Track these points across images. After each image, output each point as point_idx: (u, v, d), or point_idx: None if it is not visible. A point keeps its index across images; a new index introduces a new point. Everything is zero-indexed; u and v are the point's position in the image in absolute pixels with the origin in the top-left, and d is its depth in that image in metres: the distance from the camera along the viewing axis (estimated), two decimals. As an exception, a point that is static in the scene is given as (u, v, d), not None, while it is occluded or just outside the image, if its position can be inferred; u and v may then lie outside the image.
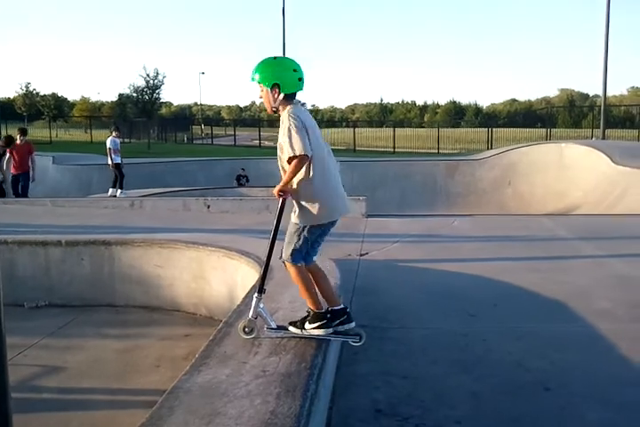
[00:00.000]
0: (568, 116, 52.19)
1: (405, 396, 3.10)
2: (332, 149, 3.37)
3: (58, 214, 9.96)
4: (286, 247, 3.17)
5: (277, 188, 3.09)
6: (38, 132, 41.93)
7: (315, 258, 3.28)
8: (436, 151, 33.45)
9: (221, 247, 5.60)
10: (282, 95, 3.12)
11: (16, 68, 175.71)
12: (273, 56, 3.21)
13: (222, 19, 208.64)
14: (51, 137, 40.62)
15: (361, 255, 6.44)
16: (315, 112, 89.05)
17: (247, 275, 4.82)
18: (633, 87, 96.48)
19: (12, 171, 13.47)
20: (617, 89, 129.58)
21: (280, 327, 3.21)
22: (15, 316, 4.77)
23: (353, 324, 3.26)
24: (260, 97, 3.21)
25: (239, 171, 20.43)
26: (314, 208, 3.11)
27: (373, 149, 36.15)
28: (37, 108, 73.78)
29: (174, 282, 5.85)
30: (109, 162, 15.29)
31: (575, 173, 16.50)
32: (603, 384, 3.26)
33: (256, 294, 3.20)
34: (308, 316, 3.22)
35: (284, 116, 3.09)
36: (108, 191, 15.19)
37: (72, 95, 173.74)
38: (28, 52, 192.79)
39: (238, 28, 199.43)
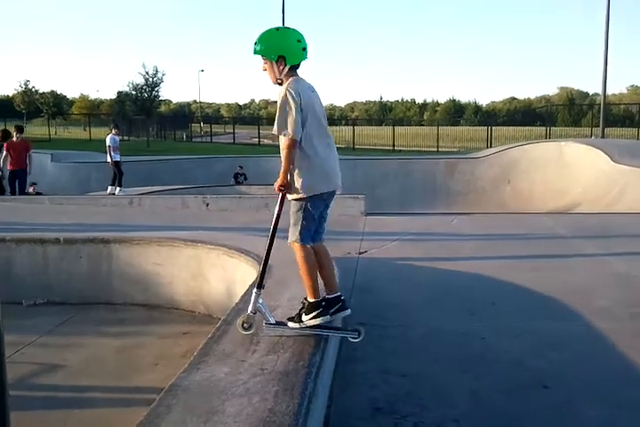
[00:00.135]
0: (568, 114, 52.31)
1: (404, 394, 3.09)
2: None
3: (56, 212, 9.94)
4: (293, 229, 3.14)
5: (278, 182, 3.07)
6: (37, 129, 42.01)
7: (324, 236, 3.27)
8: (436, 149, 33.34)
9: (220, 245, 5.59)
10: (287, 67, 3.09)
11: (15, 66, 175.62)
12: (275, 27, 3.15)
13: (222, 16, 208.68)
14: (49, 135, 40.64)
15: (360, 253, 6.43)
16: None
17: (246, 273, 4.81)
18: (632, 86, 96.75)
19: (9, 167, 13.46)
20: (616, 87, 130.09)
21: (279, 323, 3.21)
22: (13, 314, 4.79)
23: (349, 311, 3.27)
24: (264, 69, 3.17)
25: (237, 169, 20.40)
26: (312, 177, 3.09)
27: (373, 148, 36.01)
28: (36, 106, 73.89)
29: (173, 280, 5.84)
30: (108, 160, 15.32)
31: (575, 170, 16.51)
32: (601, 382, 3.26)
33: (255, 289, 3.20)
34: (303, 307, 3.22)
35: (282, 89, 3.05)
36: (106, 189, 15.20)
37: (71, 93, 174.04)
38: (27, 49, 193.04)
39: (238, 26, 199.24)
